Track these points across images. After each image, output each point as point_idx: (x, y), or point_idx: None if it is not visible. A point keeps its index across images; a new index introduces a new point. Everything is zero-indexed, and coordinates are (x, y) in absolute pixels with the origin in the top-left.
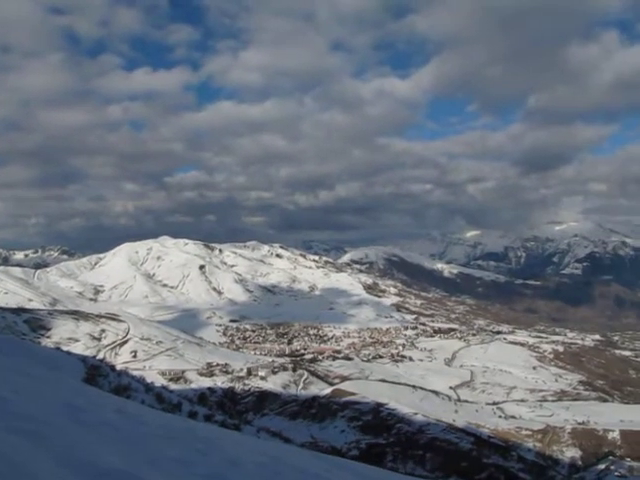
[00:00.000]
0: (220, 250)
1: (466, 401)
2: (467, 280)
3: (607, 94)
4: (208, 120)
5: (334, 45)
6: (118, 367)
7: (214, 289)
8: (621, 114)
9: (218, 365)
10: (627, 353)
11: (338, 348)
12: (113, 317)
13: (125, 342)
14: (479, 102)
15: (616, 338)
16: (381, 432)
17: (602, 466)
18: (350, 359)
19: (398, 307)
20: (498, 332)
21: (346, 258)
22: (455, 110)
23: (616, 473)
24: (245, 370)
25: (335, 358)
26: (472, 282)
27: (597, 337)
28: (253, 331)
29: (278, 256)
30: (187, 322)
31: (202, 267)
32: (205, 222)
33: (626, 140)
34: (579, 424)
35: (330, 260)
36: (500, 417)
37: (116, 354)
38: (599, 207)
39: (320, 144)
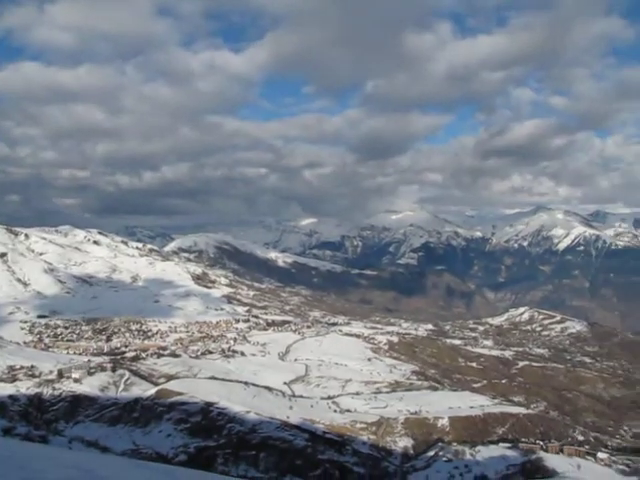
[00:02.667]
0: (26, 235)
1: (301, 396)
2: (302, 270)
3: (442, 84)
4: (7, 82)
5: (160, 9)
6: None
7: (18, 280)
8: (455, 105)
9: (22, 368)
10: (457, 342)
11: (164, 344)
12: None
13: None
14: (316, 84)
15: (447, 327)
16: (211, 434)
17: (431, 453)
18: (177, 356)
19: (229, 299)
20: (334, 324)
21: (173, 246)
22: (291, 90)
23: (444, 458)
24: (56, 372)
25: (160, 355)
26: (307, 272)
27: (430, 327)
28: (66, 327)
29: (96, 243)
30: None
31: (3, 255)
32: (7, 203)
33: (459, 131)
34: (412, 414)
35: (155, 248)
36: (335, 411)
37: None
38: (434, 197)
39: (144, 119)
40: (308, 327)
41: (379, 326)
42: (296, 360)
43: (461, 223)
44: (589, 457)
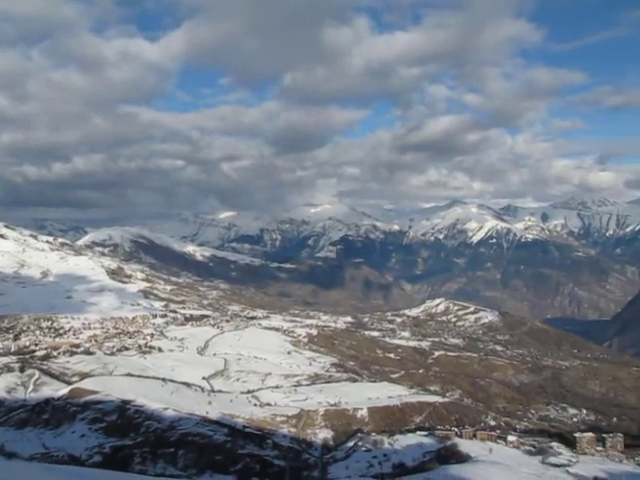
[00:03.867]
0: None
1: (220, 391)
2: (221, 264)
3: (359, 79)
4: None
5: None
6: None
7: None
8: (372, 99)
9: None
10: (375, 334)
11: (77, 342)
12: None
13: None
14: (233, 75)
15: (366, 319)
16: (128, 432)
17: (351, 443)
18: (91, 353)
19: (146, 293)
20: (253, 318)
21: (86, 240)
22: (208, 81)
23: (363, 448)
24: None
25: (73, 353)
26: (226, 266)
27: (349, 319)
28: None
29: (2, 236)
30: None
31: None
32: None
33: (377, 125)
34: (331, 406)
35: (67, 242)
36: (255, 405)
37: None
38: (352, 191)
39: (53, 107)
40: (227, 321)
41: (298, 319)
42: (215, 355)
43: (379, 216)
44: (500, 440)
